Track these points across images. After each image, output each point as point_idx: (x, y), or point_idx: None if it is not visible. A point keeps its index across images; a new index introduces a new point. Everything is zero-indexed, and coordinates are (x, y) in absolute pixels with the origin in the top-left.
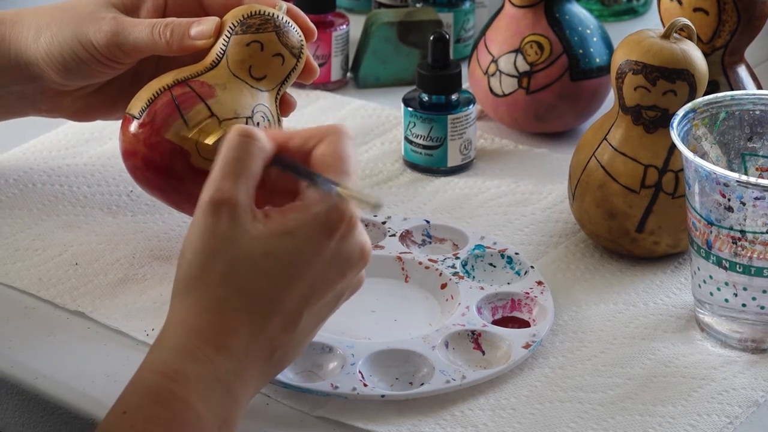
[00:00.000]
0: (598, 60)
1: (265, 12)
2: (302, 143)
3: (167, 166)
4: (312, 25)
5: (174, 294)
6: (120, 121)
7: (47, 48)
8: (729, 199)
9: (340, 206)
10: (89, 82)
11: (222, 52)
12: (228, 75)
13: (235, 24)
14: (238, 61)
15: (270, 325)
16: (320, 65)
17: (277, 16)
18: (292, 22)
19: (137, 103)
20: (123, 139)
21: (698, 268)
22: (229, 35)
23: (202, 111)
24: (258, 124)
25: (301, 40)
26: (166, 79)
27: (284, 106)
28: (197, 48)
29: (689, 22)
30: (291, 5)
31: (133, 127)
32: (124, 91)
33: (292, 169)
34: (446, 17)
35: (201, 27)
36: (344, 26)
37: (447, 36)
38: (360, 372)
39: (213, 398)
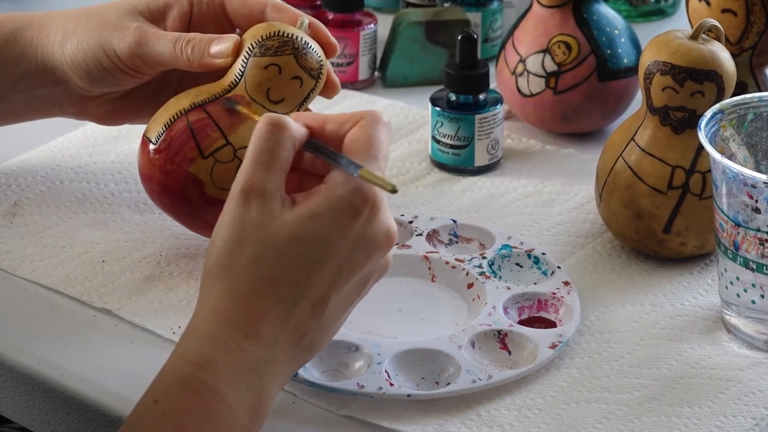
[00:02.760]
0: (626, 60)
1: (284, 33)
2: (337, 128)
3: (182, 194)
4: (334, 41)
5: (203, 282)
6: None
7: (72, 54)
8: (756, 201)
9: (363, 188)
10: (113, 89)
11: (240, 73)
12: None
13: (254, 45)
14: (255, 83)
15: (298, 310)
16: (348, 64)
17: (296, 38)
18: (311, 42)
19: (154, 127)
20: (140, 162)
21: (725, 270)
22: (247, 56)
23: (217, 140)
24: None
25: (321, 61)
26: (184, 102)
27: None
28: (217, 66)
29: (717, 23)
30: (314, 20)
31: (150, 152)
32: (150, 97)
33: (320, 152)
34: (474, 17)
35: (220, 46)
36: (372, 25)
37: (475, 36)
38: (386, 371)
39: (244, 387)
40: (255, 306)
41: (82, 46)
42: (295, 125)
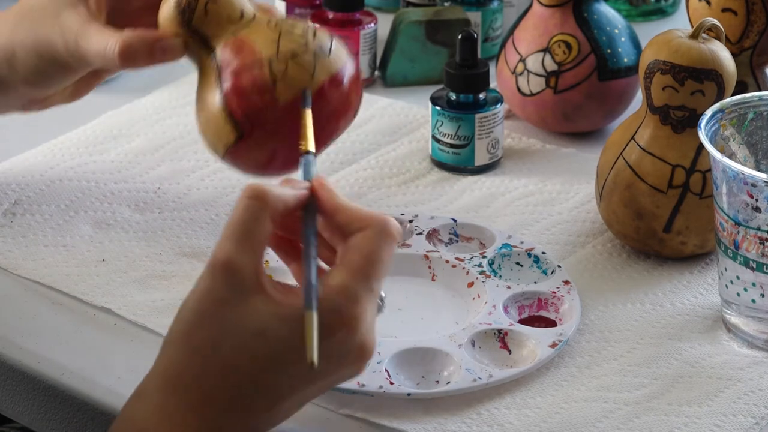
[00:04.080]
0: (626, 60)
1: None
2: (346, 223)
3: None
4: None
5: (164, 340)
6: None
7: (24, 75)
8: (756, 200)
9: (343, 310)
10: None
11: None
12: None
13: None
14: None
15: (253, 404)
16: None
17: None
18: None
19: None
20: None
21: (725, 269)
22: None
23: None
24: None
25: None
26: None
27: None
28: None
29: (717, 23)
30: None
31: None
32: None
33: (304, 244)
34: (474, 16)
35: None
36: (372, 25)
37: (475, 35)
38: (386, 370)
39: None
40: (205, 389)
41: (27, 64)
42: (283, 195)
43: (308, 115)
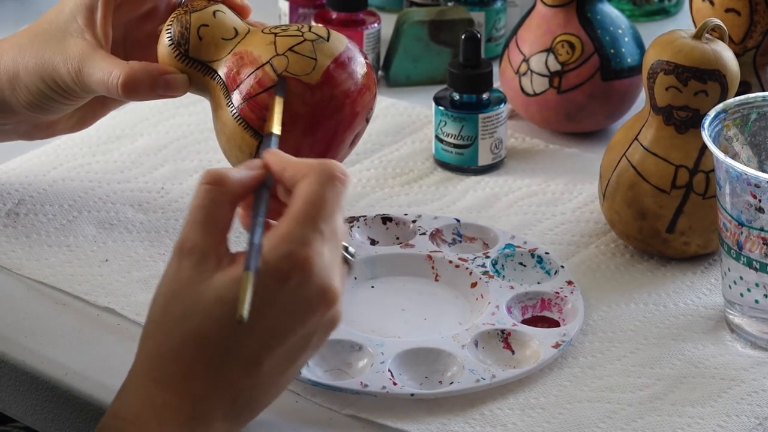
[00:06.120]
0: (629, 60)
1: None
2: (293, 175)
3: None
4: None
5: (140, 337)
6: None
7: (26, 98)
8: (760, 200)
9: (294, 253)
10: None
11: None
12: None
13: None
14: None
15: (228, 370)
16: None
17: None
18: None
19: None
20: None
21: (728, 269)
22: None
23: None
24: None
25: None
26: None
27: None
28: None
29: (721, 23)
30: None
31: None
32: None
33: (254, 208)
34: (478, 16)
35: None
36: (375, 25)
37: (478, 35)
38: (389, 370)
39: None
40: (181, 364)
41: (31, 89)
42: (240, 177)
43: (278, 102)
